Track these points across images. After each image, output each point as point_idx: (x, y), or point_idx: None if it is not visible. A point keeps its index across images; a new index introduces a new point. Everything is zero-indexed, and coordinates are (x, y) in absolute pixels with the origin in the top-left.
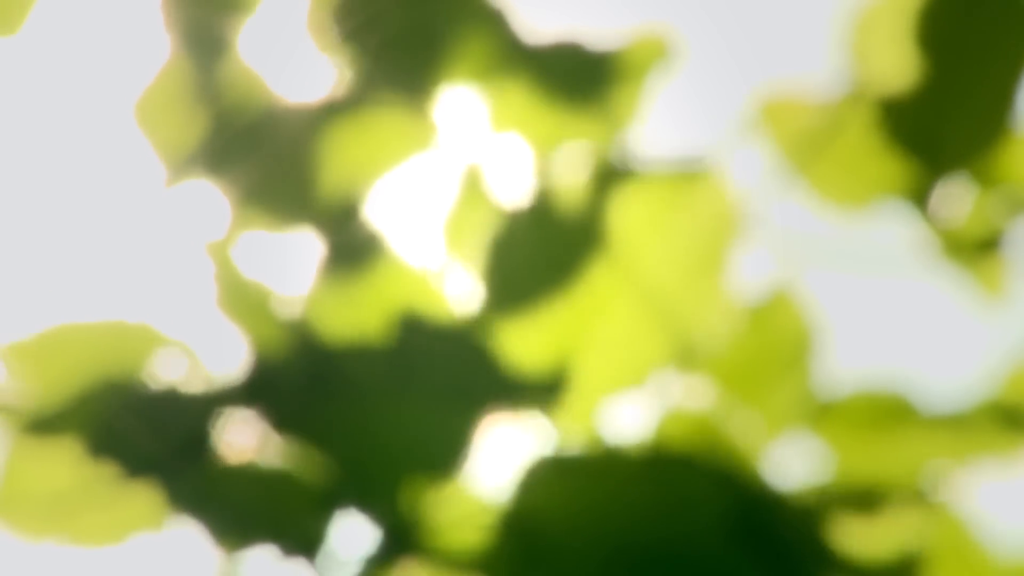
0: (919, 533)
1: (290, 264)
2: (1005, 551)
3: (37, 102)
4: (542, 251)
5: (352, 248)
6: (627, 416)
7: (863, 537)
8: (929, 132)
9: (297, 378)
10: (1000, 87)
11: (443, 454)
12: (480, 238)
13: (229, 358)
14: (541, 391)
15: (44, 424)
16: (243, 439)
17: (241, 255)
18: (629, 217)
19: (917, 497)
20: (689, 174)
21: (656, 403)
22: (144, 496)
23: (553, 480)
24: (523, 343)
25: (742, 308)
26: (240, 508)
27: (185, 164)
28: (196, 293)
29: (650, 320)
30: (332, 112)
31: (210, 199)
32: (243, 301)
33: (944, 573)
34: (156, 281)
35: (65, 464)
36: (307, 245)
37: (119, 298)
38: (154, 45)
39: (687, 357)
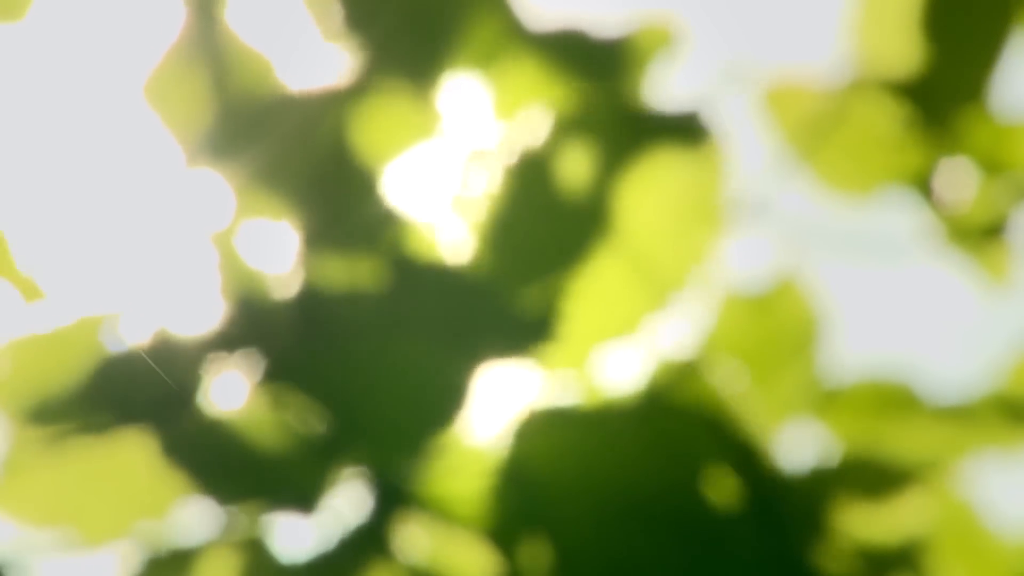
0: (924, 519)
1: (288, 251)
2: (1009, 537)
3: (41, 88)
4: (542, 222)
5: (357, 229)
6: (620, 366)
7: (869, 522)
8: (925, 113)
9: (290, 324)
10: (981, 64)
11: (439, 399)
12: (480, 211)
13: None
14: (535, 325)
15: (43, 414)
16: (236, 386)
17: (244, 243)
18: (628, 186)
19: (922, 484)
20: (682, 133)
21: (648, 352)
22: (137, 446)
23: (547, 431)
24: (516, 287)
25: (748, 295)
26: (233, 460)
27: (196, 147)
28: (191, 270)
29: (641, 270)
30: (338, 98)
31: (214, 186)
32: (244, 287)
33: (949, 558)
34: (157, 265)
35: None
36: (306, 230)
37: (120, 283)
38: (160, 30)
39: (675, 306)
